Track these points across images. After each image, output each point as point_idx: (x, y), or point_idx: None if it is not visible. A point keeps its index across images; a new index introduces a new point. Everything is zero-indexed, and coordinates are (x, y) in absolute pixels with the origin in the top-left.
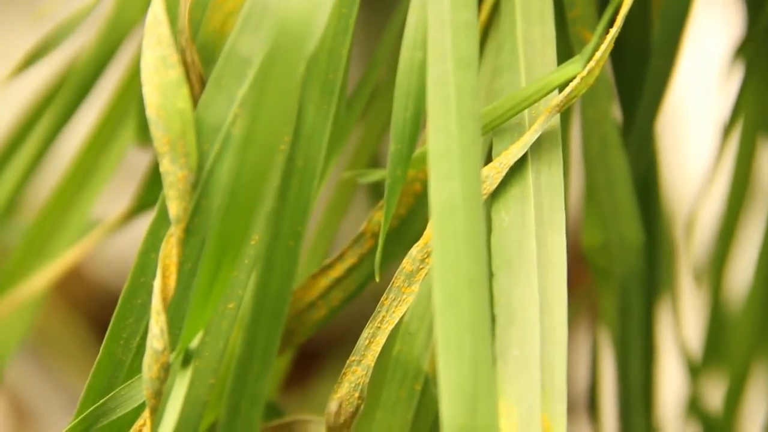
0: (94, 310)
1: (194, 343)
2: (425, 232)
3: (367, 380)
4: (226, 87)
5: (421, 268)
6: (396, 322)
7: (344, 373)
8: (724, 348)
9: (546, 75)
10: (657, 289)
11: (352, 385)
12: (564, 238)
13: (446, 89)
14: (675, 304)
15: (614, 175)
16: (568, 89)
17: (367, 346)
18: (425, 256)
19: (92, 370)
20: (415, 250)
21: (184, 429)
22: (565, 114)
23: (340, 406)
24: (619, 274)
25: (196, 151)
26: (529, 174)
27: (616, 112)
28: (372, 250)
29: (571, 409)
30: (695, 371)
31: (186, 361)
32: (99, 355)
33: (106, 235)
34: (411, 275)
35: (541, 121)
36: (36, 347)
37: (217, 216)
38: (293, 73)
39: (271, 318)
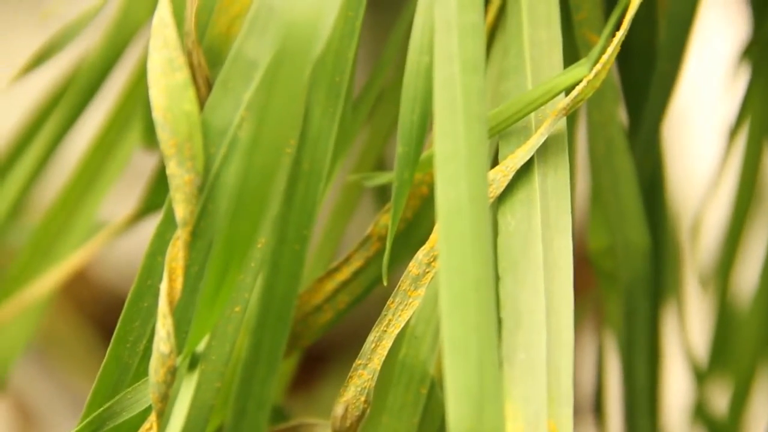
0: (100, 313)
1: (201, 346)
2: (431, 236)
3: (374, 384)
4: (232, 90)
5: (428, 272)
6: (402, 325)
7: (350, 377)
8: (730, 352)
9: (552, 78)
10: (663, 293)
11: (359, 388)
12: (570, 241)
13: (453, 92)
14: (681, 307)
15: (620, 179)
16: (574, 92)
17: (374, 350)
18: (431, 259)
19: (99, 373)
20: (421, 254)
21: None
22: (571, 117)
23: (346, 409)
24: (624, 278)
25: (202, 154)
26: (536, 177)
27: (622, 116)
28: (378, 254)
29: (576, 413)
30: (701, 375)
31: (192, 364)
32: (105, 358)
33: (112, 238)
34: (417, 279)
35: (547, 124)
36: (41, 350)
37: (224, 219)
38: (300, 76)
39: (277, 321)
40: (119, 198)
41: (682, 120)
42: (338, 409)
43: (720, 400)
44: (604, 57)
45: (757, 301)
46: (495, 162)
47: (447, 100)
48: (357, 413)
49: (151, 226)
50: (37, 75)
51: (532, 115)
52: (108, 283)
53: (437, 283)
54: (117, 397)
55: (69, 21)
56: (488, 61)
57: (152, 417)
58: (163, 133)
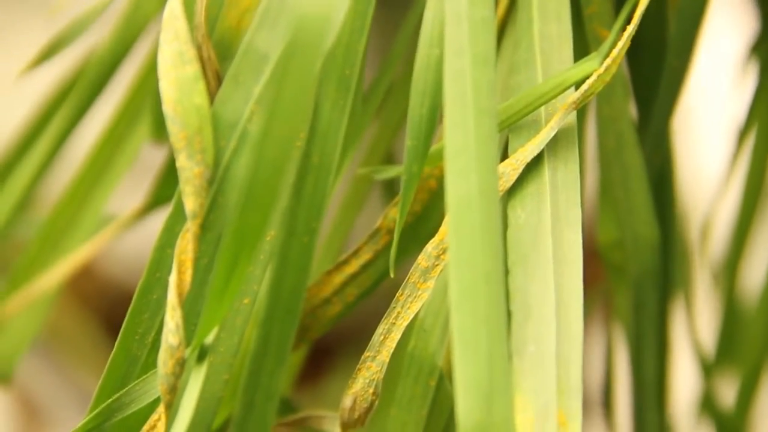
0: (106, 308)
1: (209, 338)
2: (441, 229)
3: (382, 376)
4: (243, 83)
5: (437, 265)
6: (411, 318)
7: (359, 369)
8: (738, 346)
9: (563, 72)
10: (671, 287)
11: (367, 381)
12: (580, 234)
13: (463, 85)
14: (689, 301)
15: (629, 173)
16: (584, 86)
17: (382, 342)
18: (440, 252)
19: (107, 365)
20: (430, 247)
21: (198, 425)
22: (581, 111)
23: (354, 401)
24: (633, 271)
25: (212, 147)
26: (546, 171)
27: (631, 110)
28: (387, 247)
29: (585, 405)
30: (708, 369)
31: (201, 356)
32: (114, 350)
33: (120, 232)
34: (426, 271)
35: (557, 118)
36: (47, 344)
37: (234, 212)
38: (310, 69)
39: (285, 314)
40: (127, 191)
41: (692, 117)
42: (347, 401)
43: (727, 393)
44: (615, 51)
45: (765, 295)
46: (505, 155)
47: (457, 93)
48: (365, 405)
49: (157, 220)
50: (46, 69)
51: (542, 108)
52: (114, 277)
53: (446, 276)
54: (125, 389)
55: (78, 15)
56: (498, 55)
57: (160, 408)
58: (173, 126)
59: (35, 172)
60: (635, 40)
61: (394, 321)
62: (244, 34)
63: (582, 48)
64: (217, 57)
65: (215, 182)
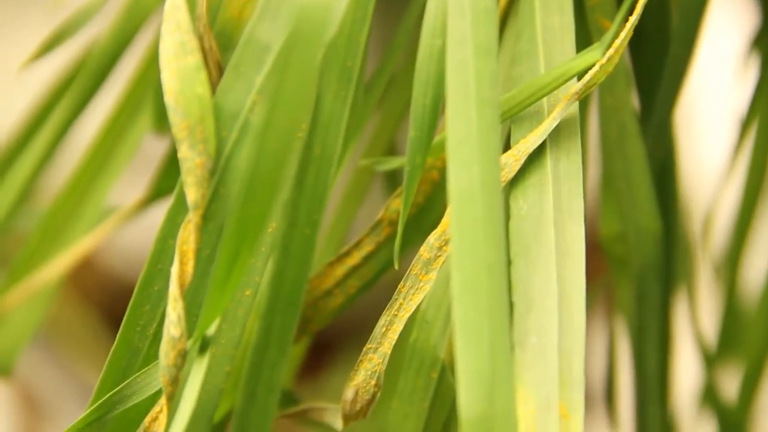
0: (106, 301)
1: (211, 330)
2: (443, 220)
3: (384, 368)
4: (244, 74)
5: (439, 256)
6: (413, 310)
7: (361, 361)
8: (740, 338)
9: (565, 62)
10: (673, 279)
11: (369, 372)
12: (582, 226)
13: (466, 76)
14: (691, 294)
15: (632, 164)
16: (587, 77)
17: (384, 334)
18: (443, 243)
19: (108, 356)
20: (432, 238)
21: (200, 416)
22: (583, 102)
23: (356, 393)
24: (636, 264)
25: (214, 138)
26: (548, 162)
27: (634, 101)
28: (389, 238)
29: (587, 398)
30: (711, 361)
31: (203, 348)
32: (115, 342)
33: (121, 223)
34: (428, 263)
35: (559, 108)
36: (48, 337)
37: (235, 203)
38: (312, 60)
39: (287, 305)
40: (129, 183)
41: (694, 109)
42: (348, 393)
43: (730, 386)
44: (617, 42)
45: (767, 288)
46: (507, 146)
47: (460, 84)
48: (367, 397)
49: (157, 213)
50: (48, 60)
51: (545, 99)
52: (114, 270)
53: (448, 267)
54: (127, 381)
55: (80, 6)
56: (501, 46)
57: (162, 400)
58: (174, 116)
59: (36, 164)
60: (637, 30)
61: (396, 313)
62: (246, 25)
63: (584, 39)
64: (219, 47)
65: (217, 173)
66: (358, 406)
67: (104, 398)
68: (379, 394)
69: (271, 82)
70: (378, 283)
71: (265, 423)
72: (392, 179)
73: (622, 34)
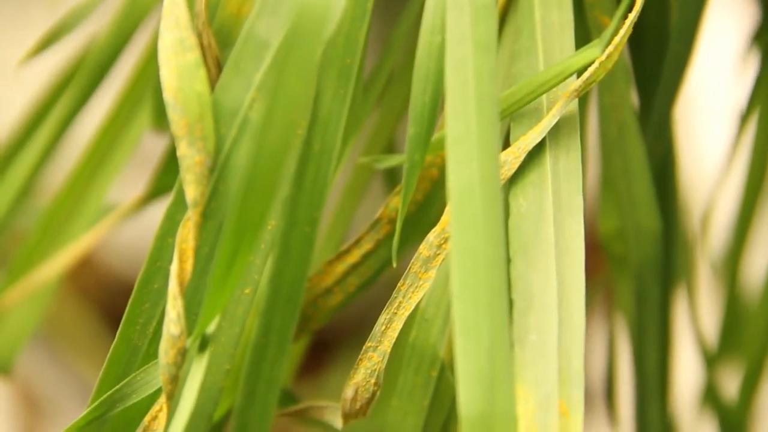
0: (105, 299)
1: (211, 328)
2: (442, 218)
3: (384, 366)
4: (243, 70)
5: (438, 254)
6: (412, 308)
7: (360, 360)
8: (740, 337)
9: (564, 60)
10: (673, 277)
11: (369, 371)
12: (582, 223)
13: (465, 73)
14: (691, 292)
15: (631, 162)
16: (586, 74)
17: (384, 332)
18: (442, 241)
19: (108, 355)
20: (432, 236)
21: (200, 415)
22: (583, 99)
23: (356, 392)
24: (635, 261)
25: (213, 135)
26: (547, 159)
27: (633, 98)
28: (388, 236)
29: (587, 396)
30: (711, 360)
31: (202, 346)
32: (115, 340)
33: (121, 221)
34: (428, 261)
35: (559, 106)
36: (47, 336)
37: (235, 200)
38: (311, 57)
39: (287, 304)
40: (128, 181)
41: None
42: (348, 392)
43: (730, 385)
44: (616, 39)
45: (767, 286)
46: (506, 144)
47: (459, 81)
48: (367, 396)
49: (157, 211)
50: (47, 57)
51: (544, 96)
52: (114, 268)
53: (448, 265)
54: (127, 379)
55: (79, 2)
56: (500, 43)
57: (162, 399)
58: (173, 114)
59: (36, 161)
60: (637, 27)
61: (395, 311)
62: (245, 22)
63: (583, 35)
64: (218, 44)
65: (216, 170)
66: (357, 405)
67: (104, 397)
68: (378, 392)
69: (270, 79)
70: (377, 281)
71: (264, 421)
72: (391, 177)
73: (622, 31)
